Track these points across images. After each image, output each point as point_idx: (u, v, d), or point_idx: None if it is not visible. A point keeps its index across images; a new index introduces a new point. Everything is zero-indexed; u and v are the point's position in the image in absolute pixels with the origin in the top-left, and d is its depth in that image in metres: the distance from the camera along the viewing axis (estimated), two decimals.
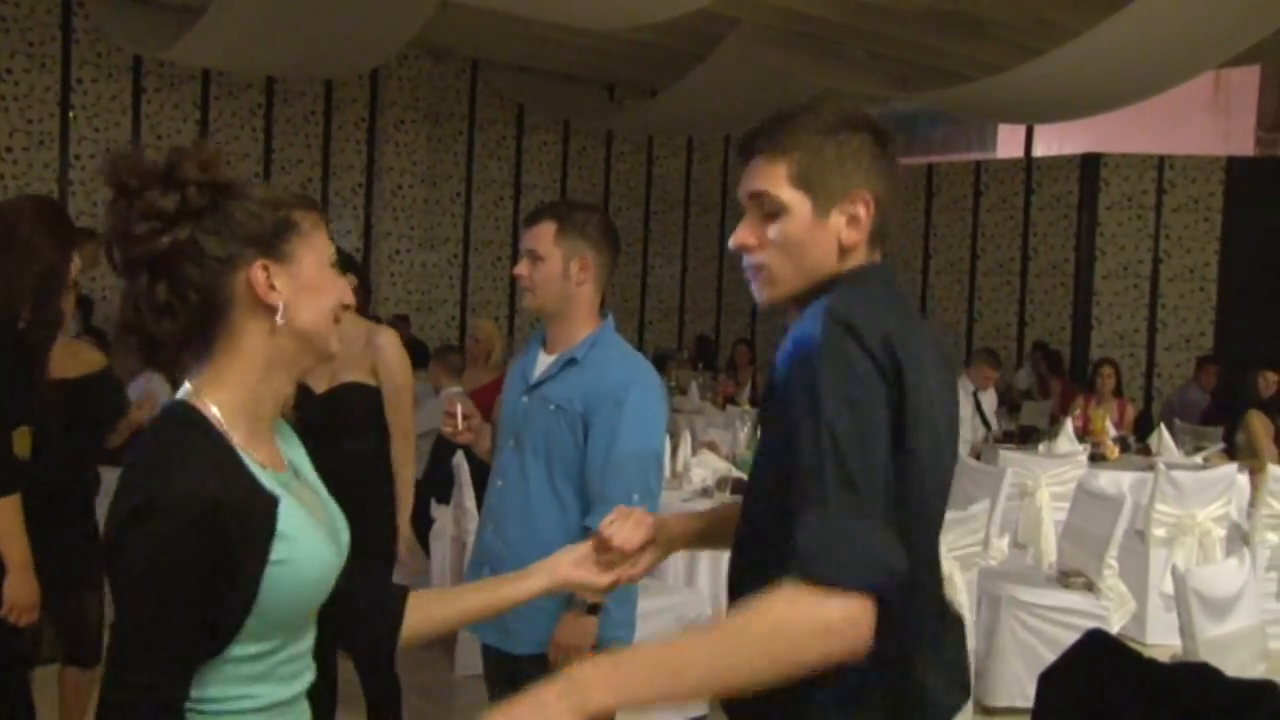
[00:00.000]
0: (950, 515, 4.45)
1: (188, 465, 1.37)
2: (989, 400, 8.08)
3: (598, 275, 2.76)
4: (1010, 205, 12.90)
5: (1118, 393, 8.58)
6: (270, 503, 1.43)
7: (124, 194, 1.43)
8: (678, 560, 4.67)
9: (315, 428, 3.92)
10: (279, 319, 1.46)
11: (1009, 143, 14.01)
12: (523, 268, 2.74)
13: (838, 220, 1.59)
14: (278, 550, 1.41)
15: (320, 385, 3.68)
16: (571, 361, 2.72)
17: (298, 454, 1.63)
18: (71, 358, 3.63)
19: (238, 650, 1.43)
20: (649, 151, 13.95)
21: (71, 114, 10.20)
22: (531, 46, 11.23)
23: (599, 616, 2.60)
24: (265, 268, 1.45)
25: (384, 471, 4.08)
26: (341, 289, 1.54)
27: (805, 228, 1.60)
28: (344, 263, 3.64)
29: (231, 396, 1.46)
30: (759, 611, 1.38)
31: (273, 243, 1.46)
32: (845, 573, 1.35)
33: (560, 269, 2.70)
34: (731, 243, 1.67)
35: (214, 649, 1.41)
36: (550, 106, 12.82)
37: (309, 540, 1.47)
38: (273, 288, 1.46)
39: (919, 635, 1.55)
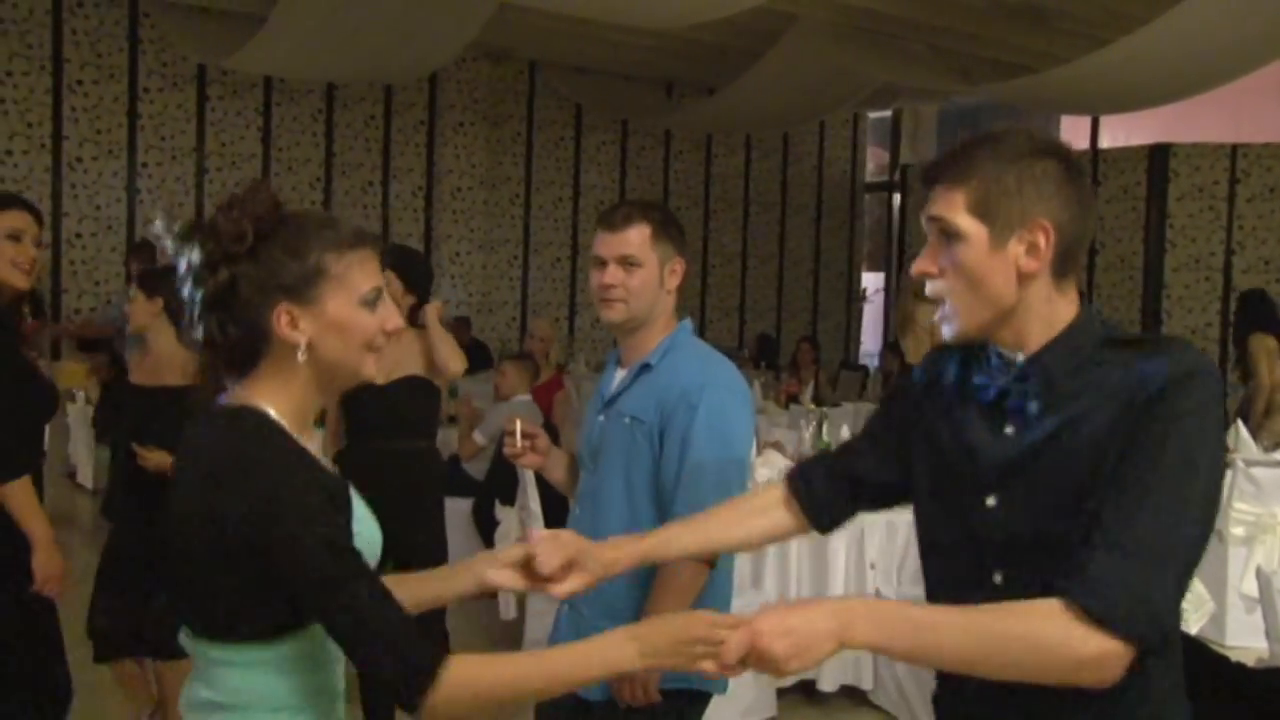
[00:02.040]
0: None
1: (290, 462, 1.56)
2: None
3: (681, 281, 2.56)
4: None
5: None
6: (345, 486, 1.63)
7: (187, 240, 1.63)
8: (743, 562, 4.62)
9: (368, 425, 3.95)
10: (300, 355, 1.62)
11: (1072, 134, 13.76)
12: (614, 275, 2.46)
13: (1016, 248, 1.58)
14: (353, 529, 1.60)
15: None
16: (645, 368, 2.51)
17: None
18: (172, 366, 3.76)
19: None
20: (708, 150, 13.90)
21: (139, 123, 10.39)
22: (589, 47, 11.23)
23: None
24: (289, 312, 1.61)
25: (436, 475, 4.04)
26: (381, 320, 1.66)
27: (982, 256, 1.58)
28: (411, 277, 3.55)
29: (277, 403, 1.64)
30: (1026, 620, 1.45)
31: (298, 288, 1.61)
32: (1121, 617, 1.41)
33: (657, 275, 2.48)
34: (913, 270, 1.66)
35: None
36: (608, 106, 12.82)
37: (367, 521, 1.66)
38: (296, 328, 1.61)
39: (1175, 675, 1.61)
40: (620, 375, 2.59)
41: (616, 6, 8.29)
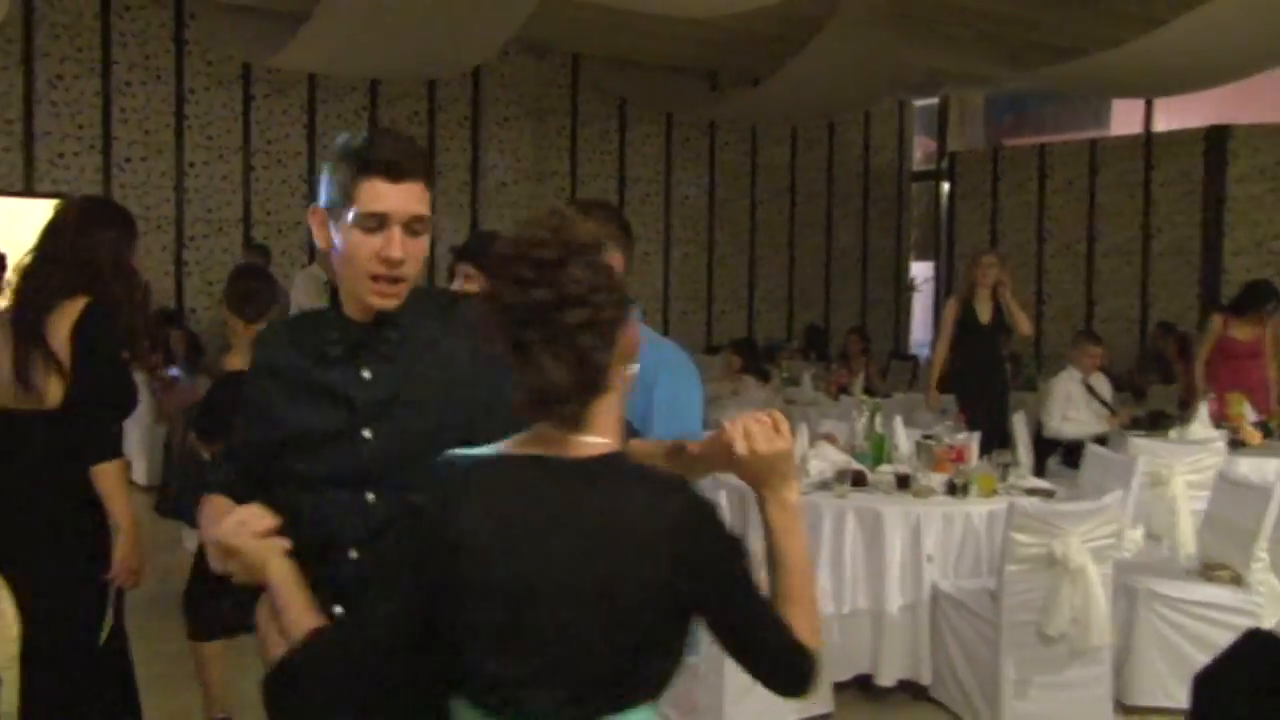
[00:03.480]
0: (1083, 506, 4.28)
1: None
2: (1101, 384, 7.70)
3: (624, 269, 2.69)
4: (1129, 184, 12.44)
5: None
6: None
7: (547, 266, 1.56)
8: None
9: None
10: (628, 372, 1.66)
11: (1124, 119, 13.51)
12: None
13: None
14: None
15: None
16: None
17: None
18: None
19: None
20: (753, 141, 13.79)
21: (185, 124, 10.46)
22: (632, 39, 11.17)
23: None
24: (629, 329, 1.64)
25: None
26: None
27: (427, 240, 1.92)
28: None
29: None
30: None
31: (628, 307, 1.64)
32: None
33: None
34: (396, 254, 1.85)
35: None
36: (652, 99, 12.74)
37: None
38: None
39: None
40: None
41: None
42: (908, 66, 10.37)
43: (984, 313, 7.47)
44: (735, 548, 1.60)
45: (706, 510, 1.59)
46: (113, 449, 3.21)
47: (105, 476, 3.14)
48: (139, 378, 8.70)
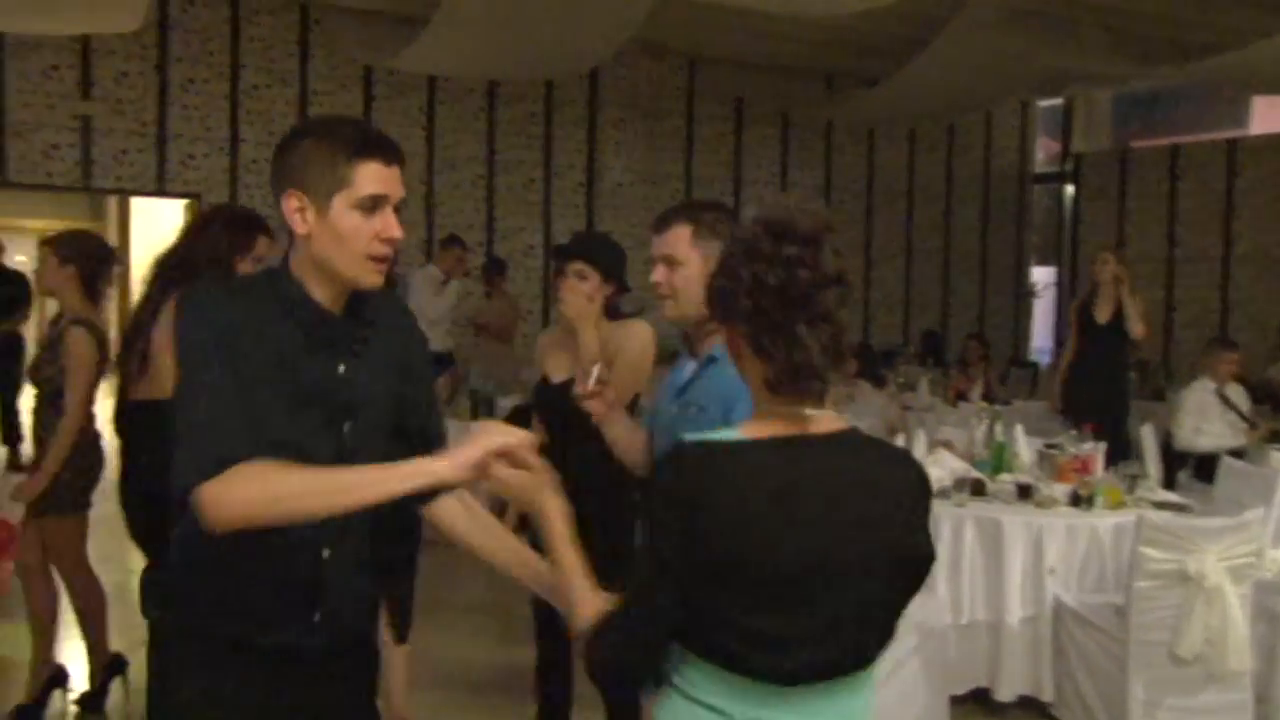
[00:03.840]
0: (1219, 521, 4.07)
1: None
2: (1237, 395, 7.31)
3: None
4: (1271, 185, 11.90)
5: None
6: None
7: (809, 247, 1.64)
8: None
9: (550, 423, 3.61)
10: None
11: (1267, 116, 12.93)
12: (660, 274, 2.67)
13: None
14: None
15: (558, 374, 3.57)
16: (711, 360, 2.56)
17: None
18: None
19: None
20: (870, 142, 13.58)
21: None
22: (749, 40, 11.08)
23: None
24: None
25: (614, 482, 3.37)
26: None
27: None
28: (607, 264, 3.45)
29: None
30: None
31: None
32: None
33: (700, 271, 2.53)
34: (399, 234, 1.95)
35: None
36: (768, 100, 12.64)
37: None
38: None
39: None
40: (691, 366, 2.70)
41: None
42: (1032, 67, 10.08)
43: (1102, 313, 7.23)
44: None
45: (927, 479, 1.73)
46: None
47: None
48: None
